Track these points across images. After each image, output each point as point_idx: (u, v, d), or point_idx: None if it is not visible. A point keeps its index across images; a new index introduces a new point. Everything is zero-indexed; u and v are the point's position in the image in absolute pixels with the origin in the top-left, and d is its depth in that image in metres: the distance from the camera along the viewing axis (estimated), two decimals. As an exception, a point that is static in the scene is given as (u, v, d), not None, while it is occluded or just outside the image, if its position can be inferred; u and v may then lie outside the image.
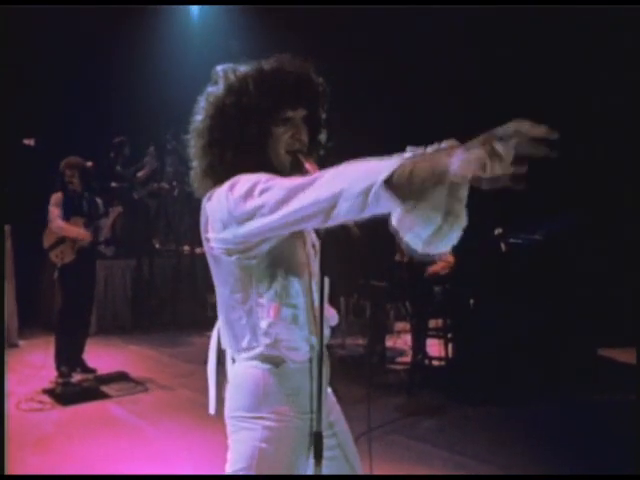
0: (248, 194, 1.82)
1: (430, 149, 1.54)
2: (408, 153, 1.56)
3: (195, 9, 12.37)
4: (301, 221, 1.74)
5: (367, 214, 1.61)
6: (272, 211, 1.75)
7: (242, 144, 2.04)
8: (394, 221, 1.61)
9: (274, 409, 2.01)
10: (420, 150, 1.56)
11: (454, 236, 1.59)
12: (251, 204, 1.80)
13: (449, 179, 1.45)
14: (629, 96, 7.50)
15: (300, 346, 2.05)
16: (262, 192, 1.79)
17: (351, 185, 1.58)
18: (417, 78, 9.60)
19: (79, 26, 10.60)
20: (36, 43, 10.48)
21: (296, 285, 2.04)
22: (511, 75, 8.88)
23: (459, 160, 1.42)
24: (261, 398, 2.02)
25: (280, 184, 1.77)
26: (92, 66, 10.87)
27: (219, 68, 2.14)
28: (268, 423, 2.00)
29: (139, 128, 10.93)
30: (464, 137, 1.47)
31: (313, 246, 2.16)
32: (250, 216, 1.81)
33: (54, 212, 6.79)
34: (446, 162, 1.44)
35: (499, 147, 1.37)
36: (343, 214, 1.62)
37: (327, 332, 2.13)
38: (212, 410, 2.19)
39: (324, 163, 2.11)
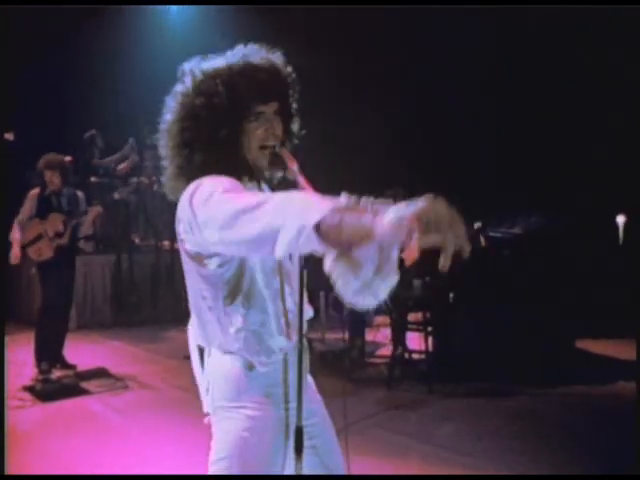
0: (206, 202, 1.81)
1: (365, 201, 1.53)
2: (343, 198, 1.55)
3: (175, 8, 12.38)
4: (249, 250, 1.78)
5: (309, 250, 1.58)
6: (221, 229, 1.75)
7: (215, 145, 2.03)
8: (327, 263, 1.59)
9: (254, 398, 2.03)
10: (354, 200, 1.54)
11: (385, 291, 1.63)
12: (206, 214, 1.81)
13: (375, 239, 1.44)
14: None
15: (270, 350, 2.04)
16: (217, 203, 1.78)
17: (288, 222, 1.57)
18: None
19: (57, 21, 10.55)
20: (15, 37, 10.41)
21: (264, 291, 2.03)
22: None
23: (388, 224, 1.40)
24: (241, 388, 2.03)
25: (231, 202, 1.75)
26: (71, 60, 10.82)
27: (185, 66, 2.12)
28: (250, 412, 2.02)
29: (117, 122, 10.90)
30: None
31: None
32: (205, 225, 1.82)
33: (23, 210, 6.76)
34: (372, 222, 1.43)
35: (431, 229, 1.37)
36: (284, 250, 1.60)
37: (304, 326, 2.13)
38: (206, 409, 2.14)
39: (298, 152, 2.13)
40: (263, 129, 2.06)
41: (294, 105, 2.18)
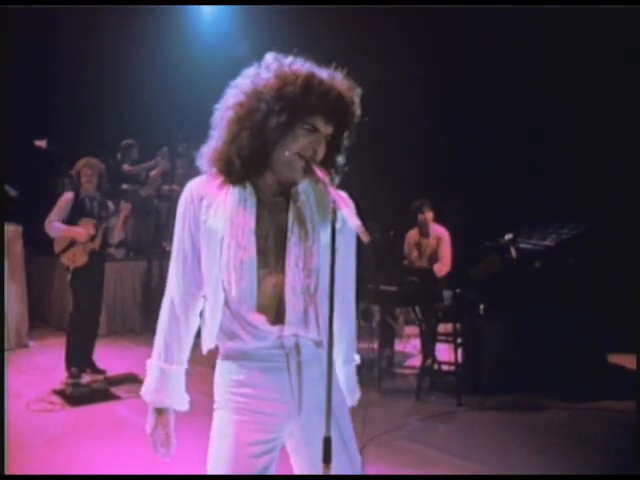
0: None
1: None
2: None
3: (208, 12, 12.29)
4: None
5: None
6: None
7: (261, 127, 2.06)
8: None
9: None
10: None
11: None
12: None
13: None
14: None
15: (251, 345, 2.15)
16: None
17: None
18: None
19: (92, 27, 10.65)
20: (50, 45, 10.55)
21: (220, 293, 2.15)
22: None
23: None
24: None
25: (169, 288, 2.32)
26: (104, 68, 10.93)
27: (271, 55, 2.15)
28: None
29: (149, 130, 10.97)
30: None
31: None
32: None
33: (54, 213, 6.78)
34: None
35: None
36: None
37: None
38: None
39: (338, 186, 2.16)
40: (309, 141, 2.10)
41: (345, 141, 2.21)
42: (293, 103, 2.03)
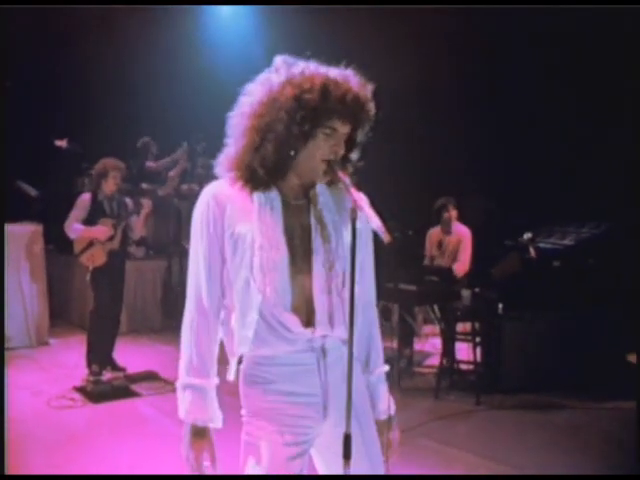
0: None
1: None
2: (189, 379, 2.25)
3: (225, 12, 12.27)
4: None
5: None
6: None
7: (285, 137, 2.07)
8: None
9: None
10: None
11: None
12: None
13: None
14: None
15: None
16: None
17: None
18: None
19: (111, 27, 10.68)
20: (70, 44, 10.61)
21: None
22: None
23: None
24: None
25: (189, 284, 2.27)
26: (123, 67, 10.98)
27: (281, 58, 2.16)
28: None
29: (168, 130, 11.00)
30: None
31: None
32: None
33: (73, 214, 6.83)
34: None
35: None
36: None
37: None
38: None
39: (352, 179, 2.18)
40: (330, 144, 2.12)
41: (361, 137, 2.22)
42: (313, 111, 2.05)
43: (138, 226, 7.15)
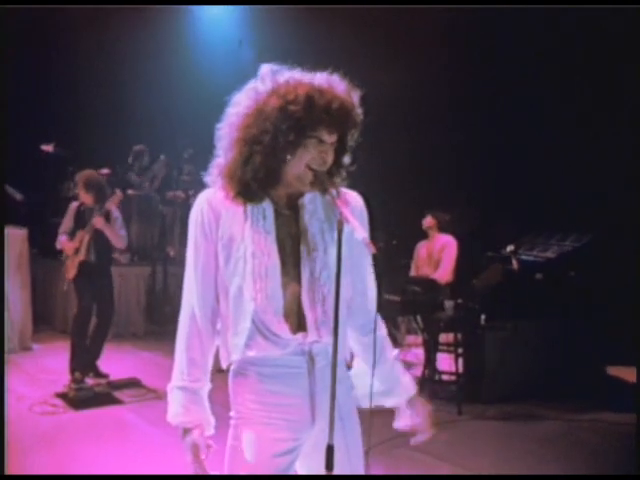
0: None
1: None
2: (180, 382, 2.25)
3: (211, 15, 12.15)
4: None
5: None
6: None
7: (272, 148, 2.08)
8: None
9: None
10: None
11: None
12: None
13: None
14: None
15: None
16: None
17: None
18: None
19: (97, 31, 10.68)
20: (56, 49, 10.59)
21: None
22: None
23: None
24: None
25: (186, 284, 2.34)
26: (109, 73, 10.97)
27: (267, 67, 2.17)
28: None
29: (155, 135, 11.00)
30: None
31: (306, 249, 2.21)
32: None
33: (62, 224, 6.87)
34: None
35: None
36: None
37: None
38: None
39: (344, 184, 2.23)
40: (317, 151, 2.12)
41: (351, 143, 2.23)
42: (298, 121, 2.06)
43: (111, 236, 6.88)
